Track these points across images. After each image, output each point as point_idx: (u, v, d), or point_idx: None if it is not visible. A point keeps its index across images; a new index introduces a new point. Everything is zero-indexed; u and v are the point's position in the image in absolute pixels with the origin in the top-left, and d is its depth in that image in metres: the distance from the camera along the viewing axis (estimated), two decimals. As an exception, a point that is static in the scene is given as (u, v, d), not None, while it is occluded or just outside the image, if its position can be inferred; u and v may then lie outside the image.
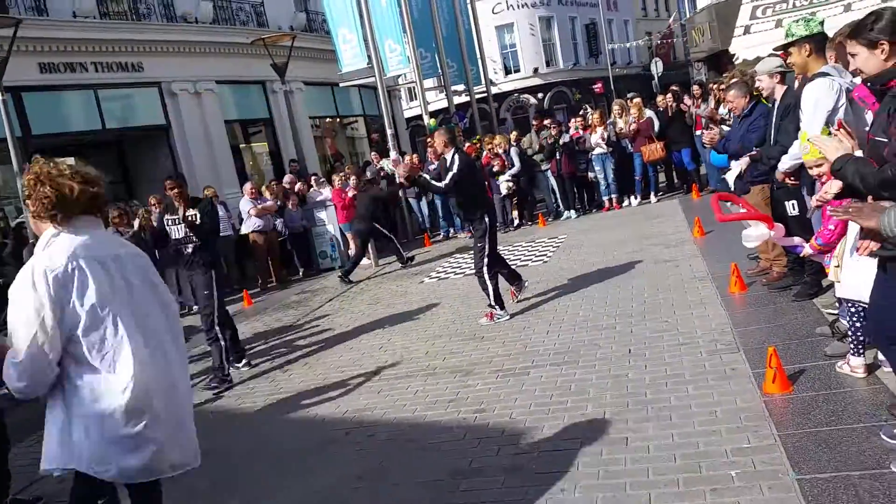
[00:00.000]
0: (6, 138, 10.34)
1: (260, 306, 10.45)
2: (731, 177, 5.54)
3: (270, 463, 4.60)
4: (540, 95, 38.38)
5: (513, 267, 7.66)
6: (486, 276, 6.86)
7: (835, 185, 3.62)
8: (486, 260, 6.85)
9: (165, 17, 16.07)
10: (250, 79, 17.88)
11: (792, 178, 5.05)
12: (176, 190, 6.62)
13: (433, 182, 7.17)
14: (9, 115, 10.29)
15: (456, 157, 6.85)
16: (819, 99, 4.42)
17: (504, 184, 12.76)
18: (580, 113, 14.95)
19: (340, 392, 5.72)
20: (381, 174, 14.50)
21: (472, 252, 7.23)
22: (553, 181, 13.04)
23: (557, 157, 12.60)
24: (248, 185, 12.59)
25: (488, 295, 6.90)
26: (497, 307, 6.89)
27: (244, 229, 12.06)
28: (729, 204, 6.02)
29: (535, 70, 38.26)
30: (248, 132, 19.18)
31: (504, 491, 3.57)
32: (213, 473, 4.59)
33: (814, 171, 4.06)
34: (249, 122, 19.06)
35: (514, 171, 12.72)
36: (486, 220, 6.87)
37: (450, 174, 6.80)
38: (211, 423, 5.61)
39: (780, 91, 5.53)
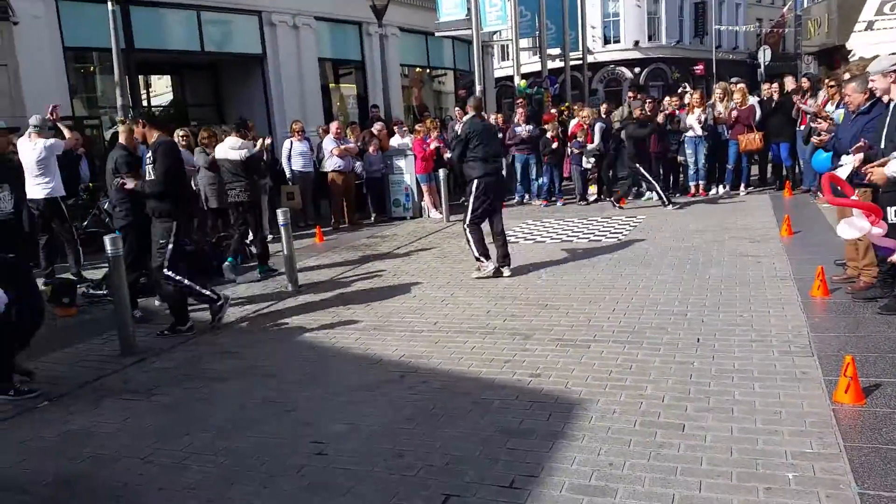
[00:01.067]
0: (111, 49, 10.67)
1: (330, 244, 10.64)
2: (843, 172, 5.23)
3: (324, 390, 4.71)
4: (637, 70, 37.26)
5: (507, 251, 7.85)
6: (467, 232, 7.62)
7: None
8: (469, 217, 7.60)
9: (275, -55, 16.17)
10: (348, 18, 17.89)
11: None
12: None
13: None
14: (116, 27, 10.60)
15: (465, 123, 7.83)
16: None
17: (585, 158, 12.53)
18: (678, 92, 14.44)
19: (399, 337, 5.79)
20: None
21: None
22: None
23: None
24: (333, 124, 12.67)
25: (472, 249, 7.63)
26: (482, 258, 7.59)
27: (325, 167, 12.20)
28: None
29: (636, 43, 37.07)
30: (338, 72, 19.31)
31: (550, 455, 3.55)
32: (265, 391, 4.76)
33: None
34: (341, 63, 19.14)
35: (592, 147, 12.42)
36: (477, 183, 7.53)
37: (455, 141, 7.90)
38: (271, 348, 5.79)
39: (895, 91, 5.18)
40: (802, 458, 3.31)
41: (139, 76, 15.78)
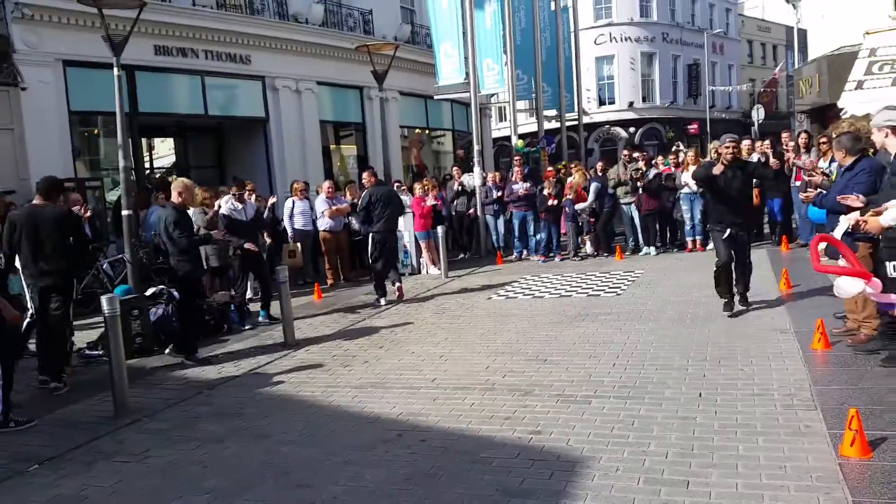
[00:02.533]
0: (116, 113, 10.86)
1: (328, 301, 10.61)
2: (838, 233, 5.25)
3: (322, 450, 4.62)
4: (632, 129, 37.84)
5: (394, 286, 10.01)
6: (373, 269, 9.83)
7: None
8: (373, 258, 9.94)
9: (278, 14, 16.66)
10: (349, 83, 18.32)
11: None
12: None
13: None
14: (121, 92, 10.82)
15: (366, 192, 10.00)
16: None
17: (582, 216, 12.74)
18: (673, 150, 14.65)
19: (397, 394, 5.72)
20: (460, 189, 14.58)
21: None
22: (635, 215, 12.77)
23: (640, 192, 12.35)
24: (326, 184, 12.69)
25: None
26: (378, 293, 9.76)
27: (319, 226, 12.25)
28: (824, 246, 5.68)
29: (631, 104, 37.77)
30: (339, 134, 19.65)
31: (552, 515, 3.47)
32: (261, 453, 4.67)
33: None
34: (342, 125, 19.51)
35: (584, 205, 12.60)
36: (373, 237, 9.86)
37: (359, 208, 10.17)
38: (268, 407, 5.71)
39: (892, 145, 5.25)
40: (810, 514, 3.23)
41: (142, 139, 16.05)
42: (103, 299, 5.75)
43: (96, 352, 7.70)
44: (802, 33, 28.64)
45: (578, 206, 12.66)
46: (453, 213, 14.59)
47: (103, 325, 6.04)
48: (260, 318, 9.25)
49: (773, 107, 40.88)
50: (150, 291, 8.12)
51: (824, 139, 10.38)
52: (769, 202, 11.94)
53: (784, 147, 12.00)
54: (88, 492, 4.24)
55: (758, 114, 33.10)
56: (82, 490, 4.26)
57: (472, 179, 14.66)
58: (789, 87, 35.72)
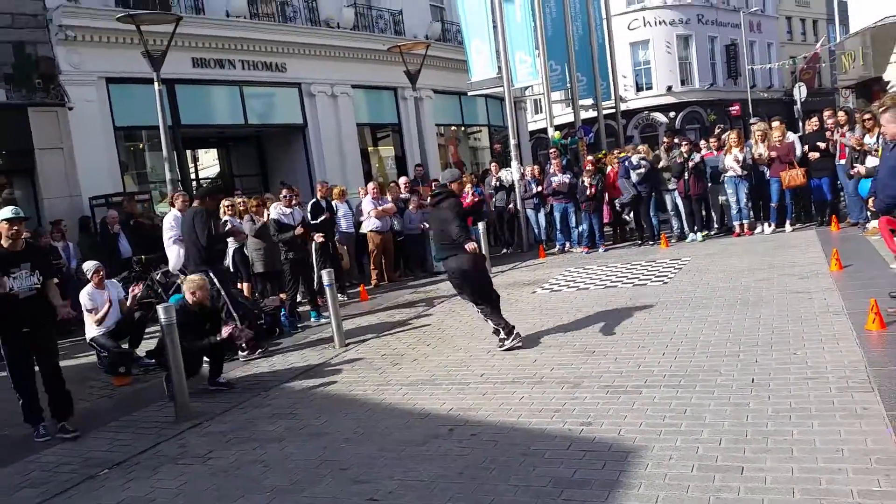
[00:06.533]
0: (159, 126, 11.20)
1: (375, 301, 10.74)
2: None
3: (376, 447, 4.72)
4: (672, 114, 37.28)
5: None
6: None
7: None
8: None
9: (310, 20, 16.93)
10: (383, 84, 18.50)
11: None
12: None
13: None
14: (163, 105, 11.15)
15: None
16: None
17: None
18: (715, 133, 14.41)
19: (446, 390, 5.79)
20: (499, 184, 14.58)
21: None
22: (679, 201, 12.61)
23: (685, 177, 12.18)
24: (371, 185, 12.91)
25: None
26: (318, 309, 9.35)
27: (363, 228, 12.40)
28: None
29: (669, 88, 37.22)
30: (376, 136, 19.86)
31: (607, 505, 3.49)
32: (322, 453, 4.78)
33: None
34: (379, 126, 19.71)
35: (624, 197, 12.60)
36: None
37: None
38: (322, 407, 5.84)
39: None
40: (870, 497, 3.20)
41: (186, 151, 16.45)
42: (159, 309, 5.95)
43: (152, 360, 7.95)
44: (843, 6, 27.86)
45: (620, 198, 12.62)
46: (492, 209, 14.61)
47: (160, 333, 6.25)
48: (311, 320, 9.49)
49: (815, 84, 39.85)
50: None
51: (868, 115, 10.11)
52: (816, 181, 11.68)
53: (827, 125, 11.74)
54: (156, 494, 4.41)
55: (800, 92, 32.28)
56: (150, 493, 4.44)
57: (511, 174, 14.66)
58: (832, 62, 34.82)
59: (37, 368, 5.81)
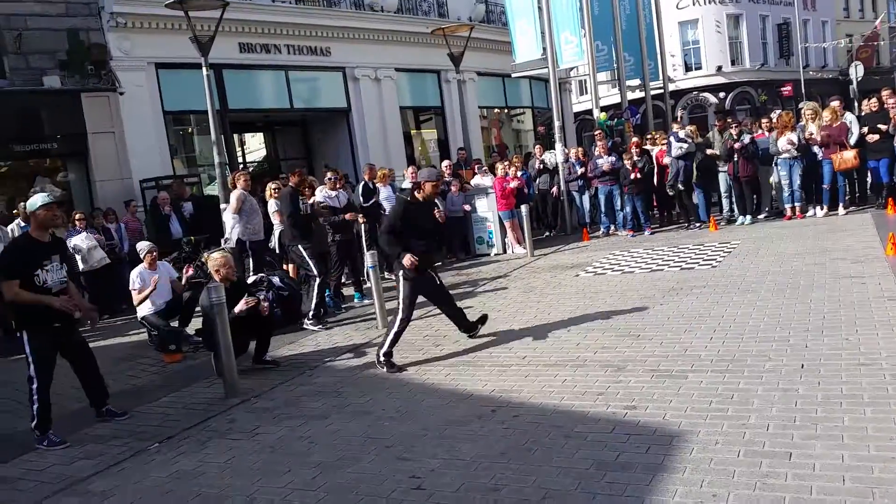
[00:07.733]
0: (207, 111, 11.38)
1: (418, 284, 10.78)
2: None
3: (420, 426, 4.76)
4: (721, 95, 36.32)
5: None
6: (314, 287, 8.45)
7: None
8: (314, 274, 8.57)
9: (354, 4, 16.96)
10: (426, 67, 18.46)
11: None
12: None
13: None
14: (211, 90, 11.32)
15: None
16: None
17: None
18: (769, 115, 14.02)
19: (488, 371, 5.80)
20: (542, 167, 14.44)
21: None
22: (729, 183, 12.32)
23: (735, 159, 11.89)
24: (410, 169, 12.90)
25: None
26: (314, 320, 8.34)
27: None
28: None
29: (719, 68, 36.22)
30: (419, 119, 19.85)
31: (651, 488, 3.46)
32: (362, 428, 4.85)
33: None
34: (422, 110, 19.70)
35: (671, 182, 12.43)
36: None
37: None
38: (366, 385, 5.91)
39: None
40: (926, 486, 3.10)
41: (234, 135, 16.72)
42: (205, 290, 6.08)
43: (200, 339, 8.15)
44: (905, -20, 26.68)
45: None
46: (536, 192, 14.51)
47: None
48: (355, 301, 9.62)
49: (874, 62, 38.36)
50: (251, 279, 8.50)
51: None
52: (874, 163, 11.28)
53: (887, 105, 11.31)
54: (205, 468, 4.53)
55: (856, 71, 31.14)
56: (199, 466, 4.56)
57: (554, 156, 14.51)
58: (892, 39, 33.44)
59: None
